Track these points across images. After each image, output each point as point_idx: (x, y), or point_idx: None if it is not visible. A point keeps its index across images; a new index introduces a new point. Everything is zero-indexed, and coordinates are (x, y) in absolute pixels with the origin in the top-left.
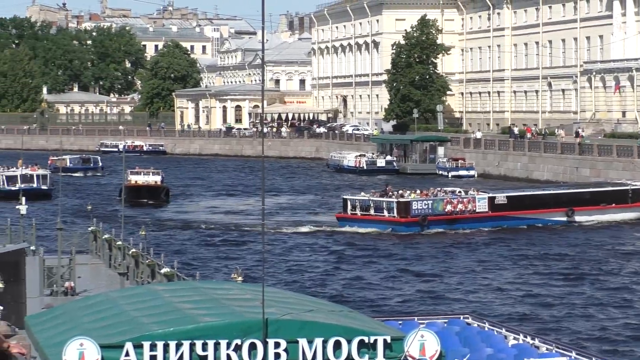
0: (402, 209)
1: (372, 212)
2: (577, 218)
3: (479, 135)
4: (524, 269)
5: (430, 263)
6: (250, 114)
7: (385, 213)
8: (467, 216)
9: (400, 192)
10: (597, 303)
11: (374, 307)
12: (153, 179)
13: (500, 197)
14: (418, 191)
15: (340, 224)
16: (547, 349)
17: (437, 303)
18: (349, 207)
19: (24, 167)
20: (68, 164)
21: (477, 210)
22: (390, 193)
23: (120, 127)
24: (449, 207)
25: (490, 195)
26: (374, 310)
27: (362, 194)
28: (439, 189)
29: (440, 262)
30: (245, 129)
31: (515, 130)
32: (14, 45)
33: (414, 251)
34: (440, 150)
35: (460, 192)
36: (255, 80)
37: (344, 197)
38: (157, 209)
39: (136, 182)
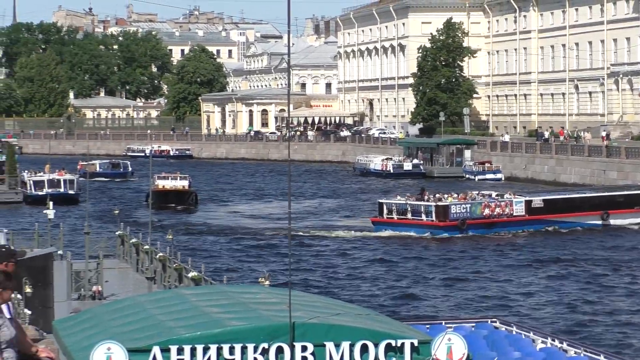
0: (441, 212)
1: (409, 216)
2: (612, 221)
3: (507, 138)
4: (556, 272)
5: (464, 267)
6: (276, 118)
7: (423, 217)
8: (505, 220)
9: (437, 195)
10: (629, 308)
11: (402, 311)
12: (180, 183)
13: (537, 201)
14: (455, 195)
15: (375, 228)
16: (575, 353)
17: (467, 307)
18: (385, 211)
19: (51, 172)
20: (97, 169)
21: (514, 214)
22: (426, 197)
23: (149, 132)
24: (487, 211)
25: (527, 198)
26: (402, 314)
27: (399, 197)
28: (476, 192)
29: (474, 266)
30: (272, 133)
31: (546, 134)
32: (40, 50)
33: (449, 255)
34: (467, 154)
35: (497, 195)
36: (282, 84)
37: (380, 201)
38: (184, 213)
39: (163, 186)
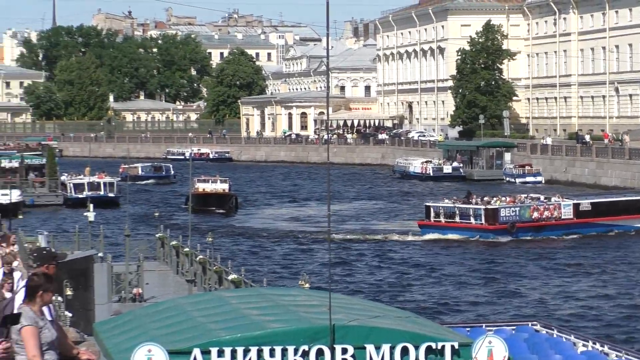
0: (491, 215)
1: (457, 219)
2: None
3: (549, 140)
4: (600, 276)
5: (511, 270)
6: (315, 121)
7: (472, 220)
8: (553, 223)
9: (486, 199)
10: None
11: (443, 314)
12: (221, 186)
13: (585, 204)
14: (503, 198)
15: (422, 231)
16: (616, 356)
17: (510, 310)
18: (432, 214)
19: (91, 175)
20: (140, 172)
21: (563, 217)
22: (473, 200)
23: (190, 135)
24: (535, 214)
25: (575, 201)
26: (443, 318)
27: (446, 200)
28: (524, 195)
29: (521, 269)
30: (314, 136)
31: (587, 137)
32: (80, 54)
33: (497, 258)
34: (507, 156)
35: (546, 199)
36: (321, 87)
37: (427, 204)
38: (224, 216)
39: (204, 190)
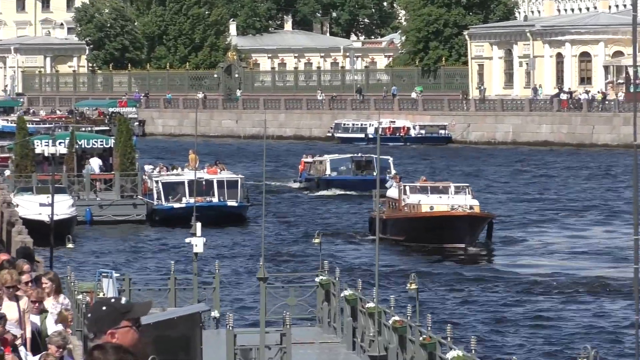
0: None
1: None
2: None
3: None
4: None
5: None
6: (606, 68)
7: None
8: None
9: None
10: None
11: None
12: (462, 201)
13: None
14: None
15: None
16: None
17: None
18: None
19: (199, 168)
20: (328, 170)
21: None
22: None
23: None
24: None
25: None
26: None
27: None
28: None
29: None
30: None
31: None
32: None
33: None
34: None
35: None
36: (617, 7)
37: None
38: (452, 248)
39: (432, 209)
